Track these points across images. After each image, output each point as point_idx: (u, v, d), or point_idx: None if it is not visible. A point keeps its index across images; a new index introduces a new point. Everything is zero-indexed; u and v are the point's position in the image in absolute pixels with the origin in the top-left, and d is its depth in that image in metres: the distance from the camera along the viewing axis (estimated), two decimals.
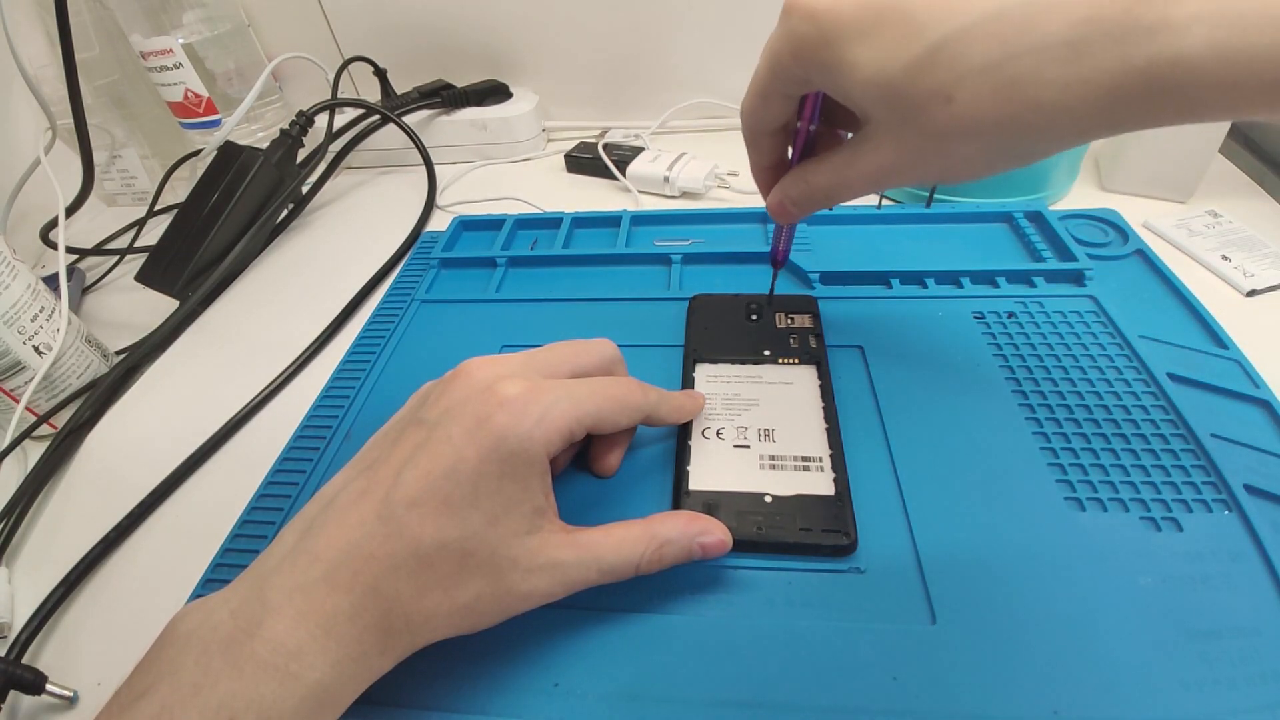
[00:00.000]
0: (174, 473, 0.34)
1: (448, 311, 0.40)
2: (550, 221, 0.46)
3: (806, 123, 0.25)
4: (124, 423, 0.39)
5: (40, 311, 0.38)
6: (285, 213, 0.55)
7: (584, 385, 0.24)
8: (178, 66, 0.54)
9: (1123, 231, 0.40)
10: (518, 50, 0.62)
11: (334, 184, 0.60)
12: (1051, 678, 0.21)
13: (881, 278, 0.37)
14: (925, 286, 0.36)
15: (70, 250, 0.53)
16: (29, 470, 0.35)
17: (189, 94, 0.55)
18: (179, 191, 0.58)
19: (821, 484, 0.26)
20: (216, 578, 0.27)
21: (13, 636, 0.28)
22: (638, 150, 0.55)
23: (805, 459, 0.27)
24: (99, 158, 0.57)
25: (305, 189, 0.56)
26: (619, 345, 0.27)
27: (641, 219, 0.45)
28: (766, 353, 0.32)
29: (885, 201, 0.47)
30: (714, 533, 0.23)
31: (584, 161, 0.56)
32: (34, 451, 0.37)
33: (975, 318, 0.34)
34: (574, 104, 0.64)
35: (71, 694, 0.25)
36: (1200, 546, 0.24)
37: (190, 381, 0.41)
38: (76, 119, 0.50)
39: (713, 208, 0.48)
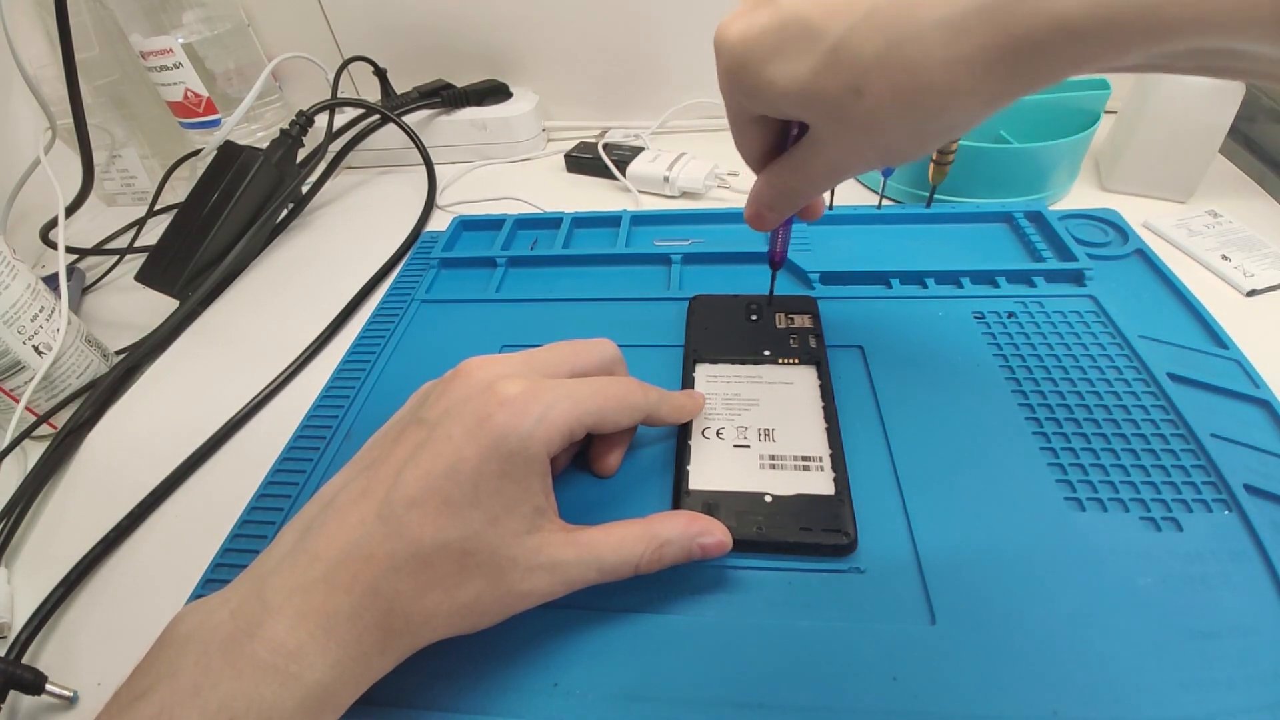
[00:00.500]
0: (174, 473, 0.34)
1: (448, 311, 0.40)
2: (550, 221, 0.46)
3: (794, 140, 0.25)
4: (124, 423, 0.39)
5: (40, 311, 0.38)
6: (285, 213, 0.55)
7: (584, 385, 0.24)
8: (178, 66, 0.54)
9: (1123, 231, 0.40)
10: (518, 50, 0.62)
11: (334, 184, 0.60)
12: (1051, 678, 0.21)
13: (881, 278, 0.37)
14: (925, 286, 0.36)
15: (70, 250, 0.53)
16: (29, 470, 0.35)
17: (189, 94, 0.55)
18: (179, 191, 0.58)
19: (821, 484, 0.26)
20: (216, 578, 0.27)
21: (13, 636, 0.28)
22: (638, 150, 0.55)
23: (805, 459, 0.27)
24: (99, 158, 0.57)
25: (305, 189, 0.56)
26: (619, 345, 0.27)
27: (641, 219, 0.45)
28: (766, 353, 0.32)
29: (885, 201, 0.47)
30: (714, 533, 0.23)
31: (584, 161, 0.56)
32: (34, 451, 0.38)
33: (975, 318, 0.34)
34: (574, 104, 0.64)
35: (71, 694, 0.25)
36: (1200, 546, 0.24)
37: (190, 381, 0.41)
38: (76, 119, 0.50)
39: (713, 208, 0.48)
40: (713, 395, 0.30)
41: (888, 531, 0.25)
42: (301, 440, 0.33)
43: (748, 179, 0.28)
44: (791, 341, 0.33)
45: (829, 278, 0.37)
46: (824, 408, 0.29)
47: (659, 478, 0.28)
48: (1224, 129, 0.41)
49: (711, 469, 0.27)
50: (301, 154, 0.54)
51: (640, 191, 0.53)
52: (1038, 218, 0.40)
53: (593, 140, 0.58)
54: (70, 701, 0.25)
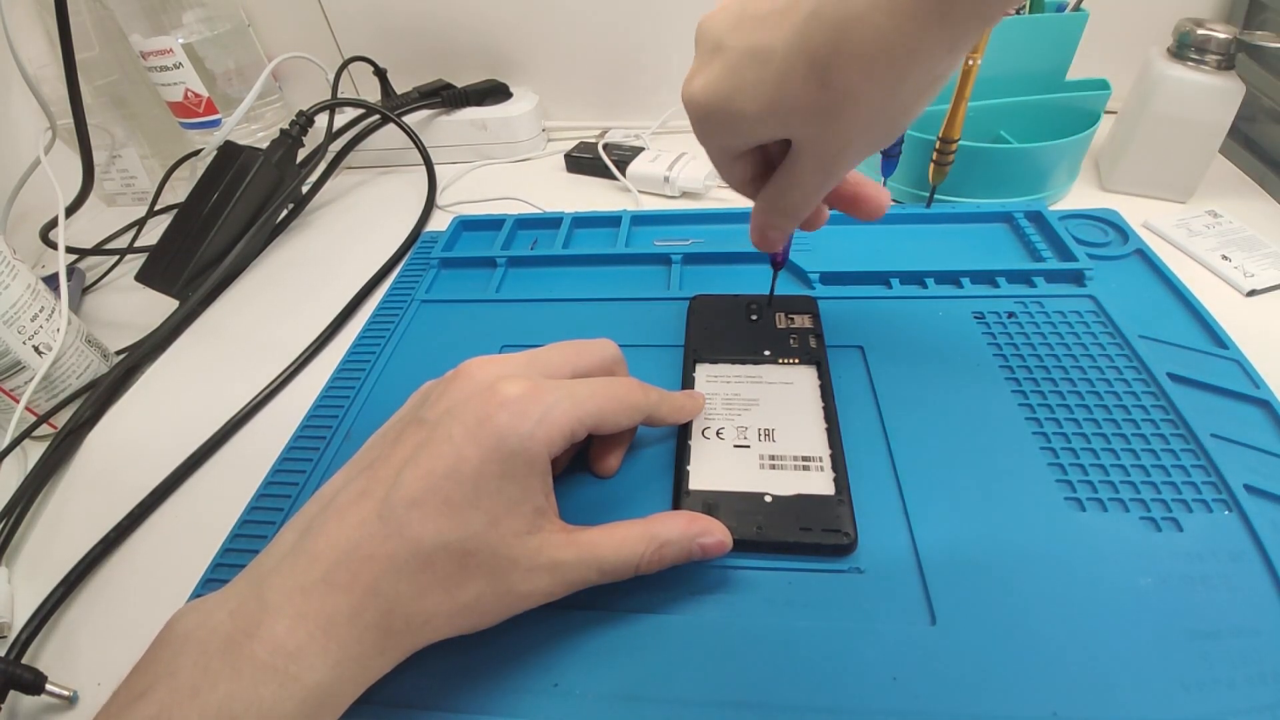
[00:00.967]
0: (174, 473, 0.34)
1: (448, 311, 0.40)
2: (550, 221, 0.46)
3: None
4: (124, 423, 0.39)
5: (40, 311, 0.38)
6: (285, 213, 0.55)
7: (585, 385, 0.24)
8: (178, 66, 0.54)
9: (1123, 231, 0.40)
10: (518, 50, 0.62)
11: (334, 184, 0.60)
12: (1051, 678, 0.21)
13: (881, 278, 0.37)
14: (925, 286, 0.36)
15: (70, 250, 0.53)
16: (29, 470, 0.35)
17: (189, 94, 0.55)
18: (179, 191, 0.58)
19: (821, 484, 0.26)
20: (216, 578, 0.27)
21: (13, 636, 0.28)
22: (638, 150, 0.55)
23: (805, 459, 0.27)
24: (99, 158, 0.57)
25: (305, 189, 0.56)
26: (619, 345, 0.27)
27: (641, 219, 0.45)
28: (766, 353, 0.32)
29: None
30: (714, 533, 0.23)
31: (584, 161, 0.56)
32: (34, 451, 0.37)
33: (975, 318, 0.34)
34: (574, 104, 0.64)
35: (71, 694, 0.25)
36: (1200, 546, 0.24)
37: (190, 381, 0.41)
38: (76, 119, 0.50)
39: (713, 208, 0.48)
40: (713, 395, 0.30)
41: (888, 531, 0.25)
42: (301, 440, 0.33)
43: None
44: (791, 341, 0.33)
45: (829, 278, 0.37)
46: (824, 408, 0.29)
47: (659, 478, 0.28)
48: (1224, 129, 0.41)
49: (711, 469, 0.27)
50: (301, 154, 0.54)
51: (640, 191, 0.53)
52: (1038, 218, 0.40)
53: (593, 140, 0.58)
54: (70, 701, 0.25)
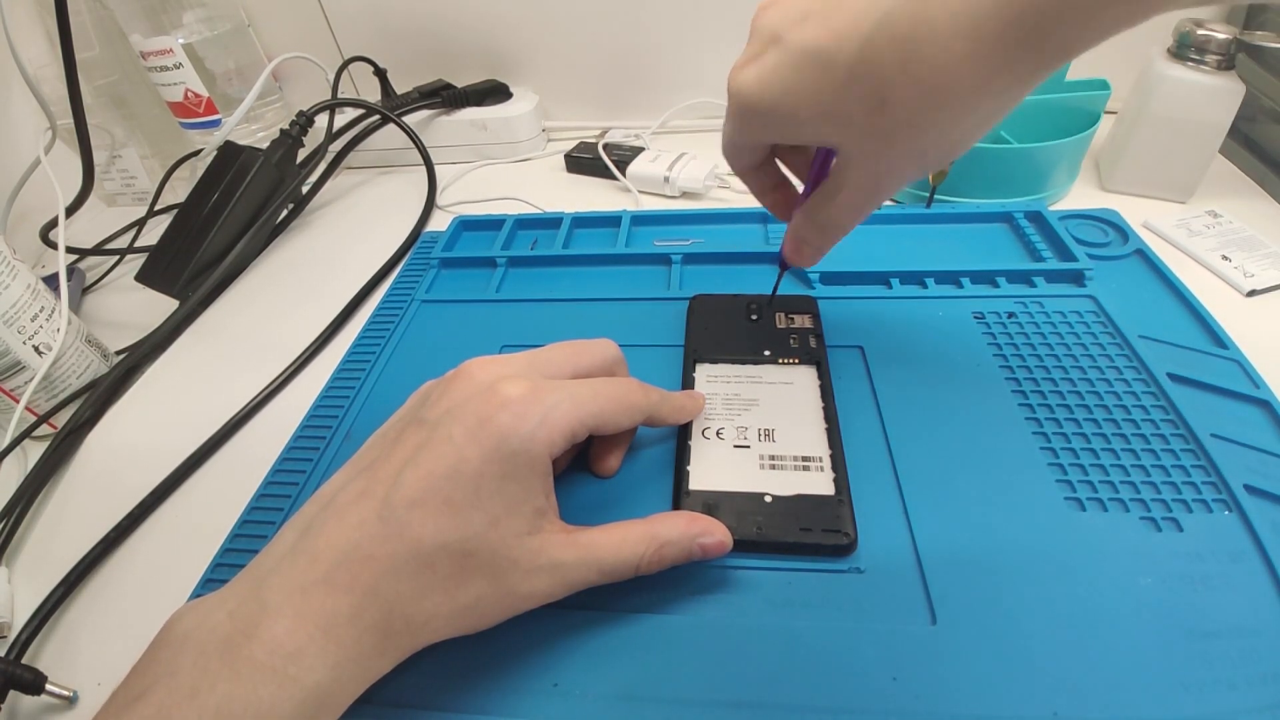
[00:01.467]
0: (174, 473, 0.34)
1: (448, 311, 0.40)
2: (550, 221, 0.46)
3: (816, 171, 0.26)
4: (124, 423, 0.39)
5: (40, 311, 0.38)
6: (285, 213, 0.55)
7: (586, 386, 0.24)
8: (178, 66, 0.54)
9: (1123, 231, 0.40)
10: (518, 50, 0.62)
11: (334, 184, 0.60)
12: (1051, 678, 0.21)
13: (881, 278, 0.37)
14: (925, 286, 0.36)
15: (70, 250, 0.53)
16: (29, 470, 0.35)
17: (189, 94, 0.55)
18: (179, 191, 0.58)
19: (821, 484, 0.26)
20: (216, 578, 0.27)
21: (13, 636, 0.28)
22: (638, 150, 0.55)
23: (805, 459, 0.27)
24: (99, 158, 0.57)
25: (305, 189, 0.56)
26: (619, 345, 0.27)
27: (641, 219, 0.45)
28: (766, 353, 0.32)
29: (886, 201, 0.47)
30: (714, 533, 0.23)
31: (584, 161, 0.56)
32: (34, 451, 0.37)
33: (975, 318, 0.34)
34: (574, 104, 0.64)
35: (71, 694, 0.25)
36: (1200, 546, 0.24)
37: (190, 382, 0.41)
38: (76, 119, 0.50)
39: (713, 208, 0.48)
40: (713, 395, 0.30)
41: (888, 531, 0.25)
42: (301, 440, 0.33)
43: None
44: (791, 341, 0.33)
45: (829, 278, 0.37)
46: (824, 408, 0.29)
47: (659, 478, 0.28)
48: (1224, 129, 0.41)
49: (711, 469, 0.27)
50: (301, 154, 0.53)
51: (640, 191, 0.53)
52: (1038, 218, 0.40)
53: (593, 140, 0.58)
54: (70, 701, 0.25)
